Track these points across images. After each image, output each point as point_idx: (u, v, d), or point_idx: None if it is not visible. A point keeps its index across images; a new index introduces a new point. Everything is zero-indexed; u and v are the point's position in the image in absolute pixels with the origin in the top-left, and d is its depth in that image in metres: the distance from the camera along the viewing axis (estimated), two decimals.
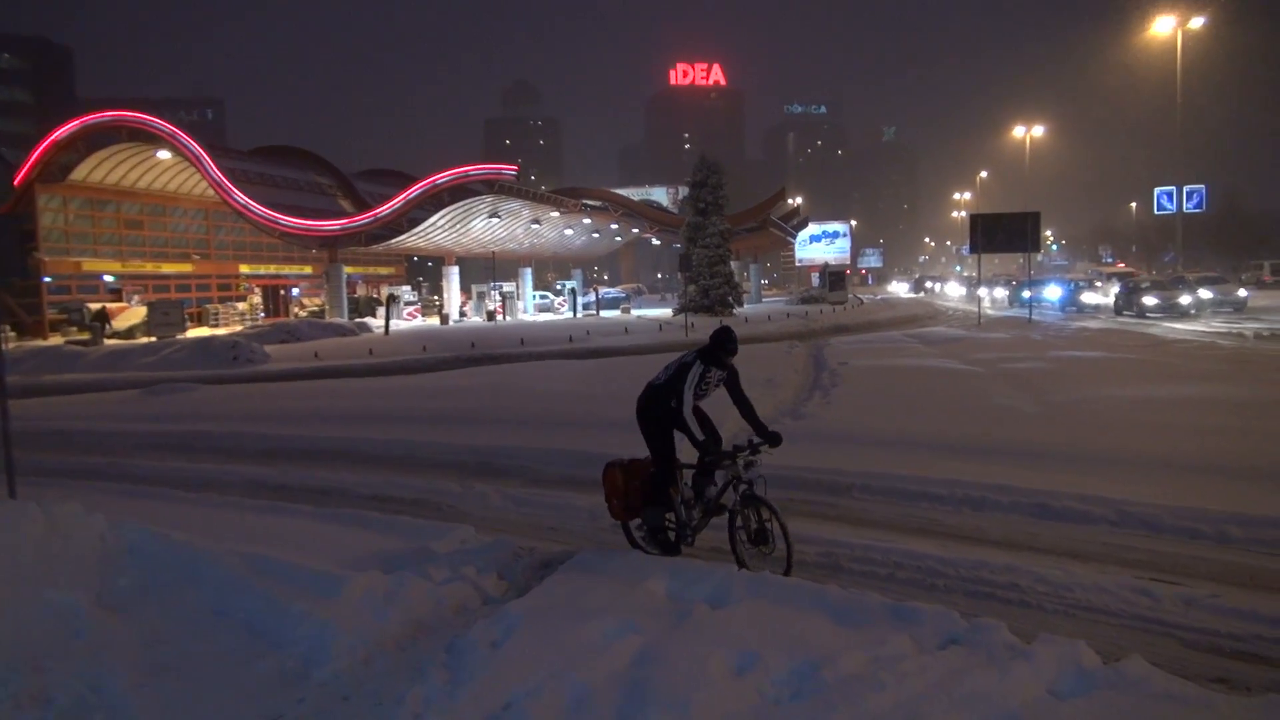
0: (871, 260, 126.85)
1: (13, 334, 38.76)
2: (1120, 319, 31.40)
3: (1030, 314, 33.11)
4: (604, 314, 51.61)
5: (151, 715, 4.20)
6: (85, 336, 37.51)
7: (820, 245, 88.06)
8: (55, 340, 38.53)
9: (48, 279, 45.77)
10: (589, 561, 5.91)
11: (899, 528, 7.03)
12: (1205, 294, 32.77)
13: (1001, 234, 30.41)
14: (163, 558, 5.86)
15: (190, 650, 4.89)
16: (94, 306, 42.95)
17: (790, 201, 78.82)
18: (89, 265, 49.26)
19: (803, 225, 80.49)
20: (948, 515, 7.29)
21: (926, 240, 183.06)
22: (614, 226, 63.30)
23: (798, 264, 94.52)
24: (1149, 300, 32.09)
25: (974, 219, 31.82)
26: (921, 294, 75.92)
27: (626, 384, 15.58)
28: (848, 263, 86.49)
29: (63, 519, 5.79)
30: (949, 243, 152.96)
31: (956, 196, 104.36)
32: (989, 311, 36.16)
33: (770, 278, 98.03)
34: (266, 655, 4.77)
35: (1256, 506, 6.69)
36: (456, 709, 3.99)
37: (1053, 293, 42.19)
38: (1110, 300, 36.26)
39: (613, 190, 77.71)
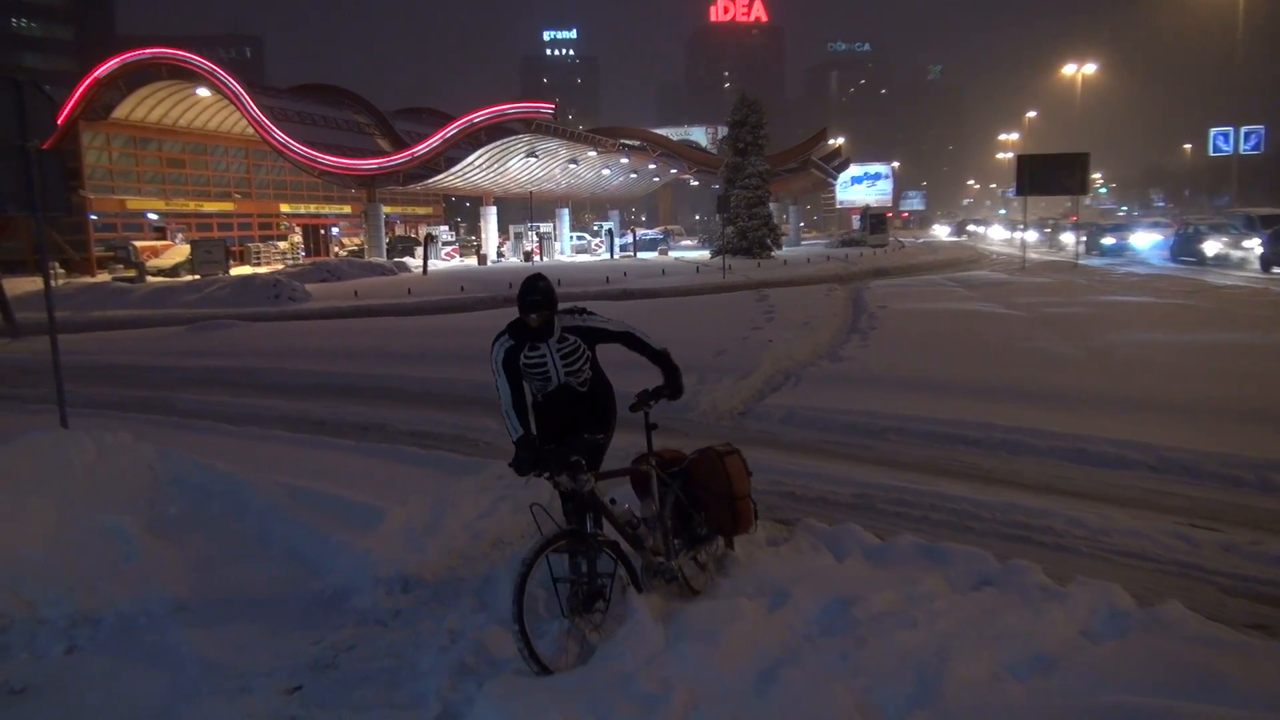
0: (914, 203, 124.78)
1: (61, 270, 39.49)
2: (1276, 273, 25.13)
3: (1097, 260, 30.89)
4: (641, 255, 51.39)
5: (199, 637, 4.35)
6: (131, 274, 38.14)
7: (861, 187, 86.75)
8: (103, 277, 39.22)
9: (94, 216, 46.45)
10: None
11: (933, 470, 7.00)
12: None
13: (1049, 176, 29.58)
14: (208, 487, 6.02)
15: (235, 576, 5.04)
16: (139, 244, 43.61)
17: (831, 142, 77.44)
18: (133, 203, 49.87)
19: (844, 167, 79.11)
20: (983, 458, 7.24)
21: (971, 183, 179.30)
22: (652, 167, 62.67)
23: (838, 206, 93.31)
24: None
25: (1021, 160, 31.03)
26: (964, 237, 74.56)
27: (663, 326, 15.61)
28: (889, 205, 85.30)
29: (113, 448, 5.95)
30: (994, 185, 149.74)
31: (1003, 137, 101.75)
32: (1033, 257, 35.42)
33: (810, 220, 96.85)
34: (308, 582, 4.90)
35: None
36: (488, 638, 4.08)
37: (1141, 240, 36.71)
38: (1253, 250, 27.29)
39: (651, 130, 76.76)
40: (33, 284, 27.43)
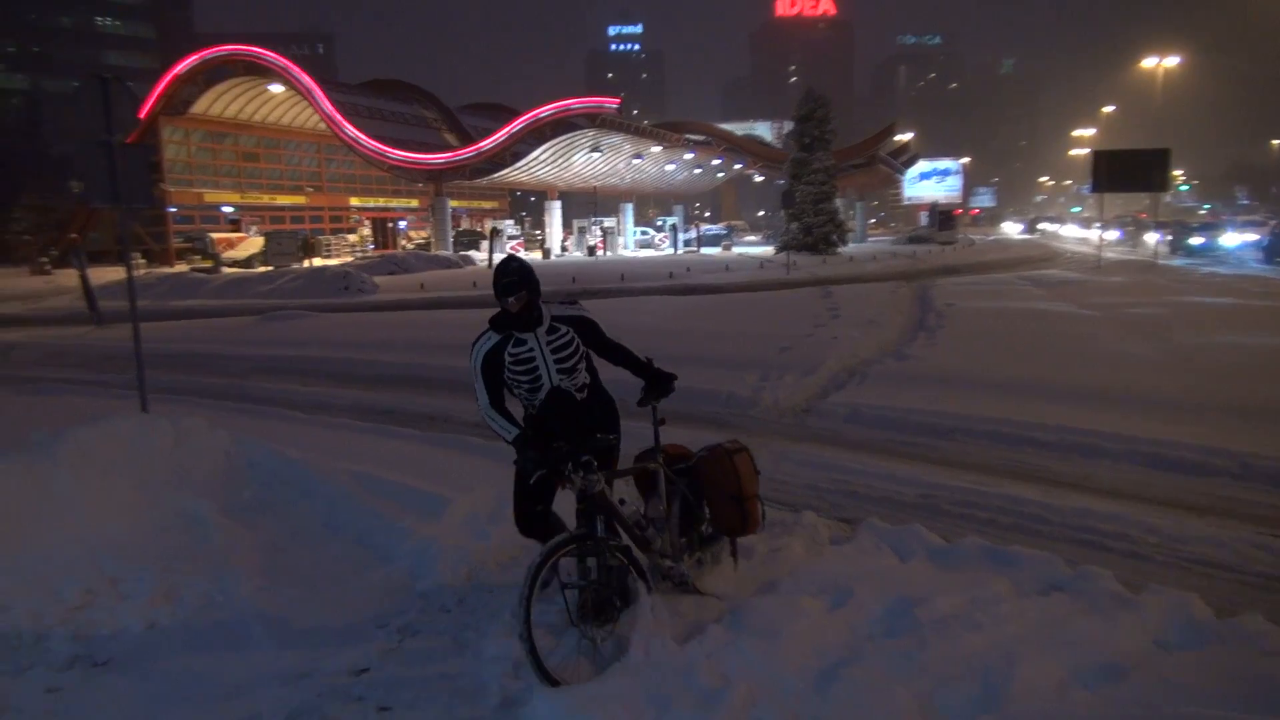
0: (984, 199, 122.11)
1: (143, 261, 40.91)
2: None
3: (1181, 260, 29.90)
4: (704, 251, 51.27)
5: (271, 618, 4.47)
6: (208, 264, 39.33)
7: (930, 183, 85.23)
8: (181, 268, 40.52)
9: (173, 209, 48.00)
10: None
11: (1001, 472, 6.86)
12: None
13: (1127, 173, 28.68)
14: (280, 473, 6.18)
15: (305, 560, 5.17)
16: (215, 236, 44.91)
17: (899, 137, 76.23)
18: (210, 196, 51.39)
19: (912, 162, 77.83)
20: (1054, 462, 7.07)
21: (1044, 179, 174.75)
22: (716, 162, 62.43)
23: (905, 202, 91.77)
24: None
25: (1097, 156, 30.13)
26: (1036, 235, 72.81)
27: (725, 322, 15.57)
28: (958, 201, 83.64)
29: (190, 433, 6.15)
30: (1069, 182, 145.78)
31: (1078, 133, 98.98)
32: (1110, 256, 34.37)
33: (877, 216, 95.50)
34: (374, 567, 5.01)
35: None
36: (551, 624, 4.12)
37: (1231, 239, 35.35)
38: None
39: (715, 125, 76.46)
40: (115, 274, 28.46)
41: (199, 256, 42.78)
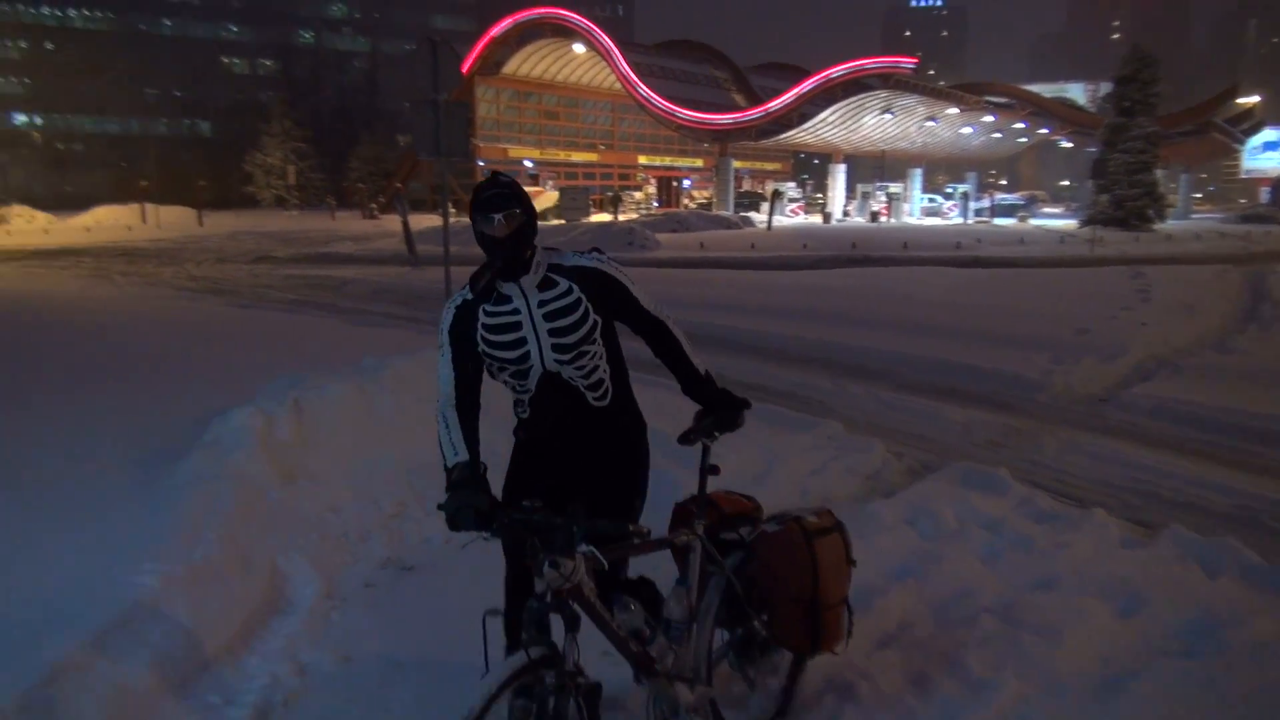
0: None
1: (454, 210, 44.86)
2: None
3: None
4: (997, 221, 48.19)
5: None
6: None
7: (1276, 154, 74.43)
8: None
9: (481, 163, 52.12)
10: (962, 474, 5.70)
11: None
12: None
13: None
14: None
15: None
16: None
17: (1242, 101, 66.98)
18: (514, 151, 55.27)
19: (1255, 130, 68.06)
20: None
21: None
22: (1018, 126, 58.16)
23: (1243, 175, 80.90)
24: None
25: None
26: None
27: (1016, 298, 14.60)
28: None
29: None
30: None
31: None
32: None
33: (1205, 191, 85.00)
34: (644, 514, 5.23)
35: None
36: None
37: None
38: None
39: (1020, 86, 71.07)
40: (431, 220, 31.40)
41: None
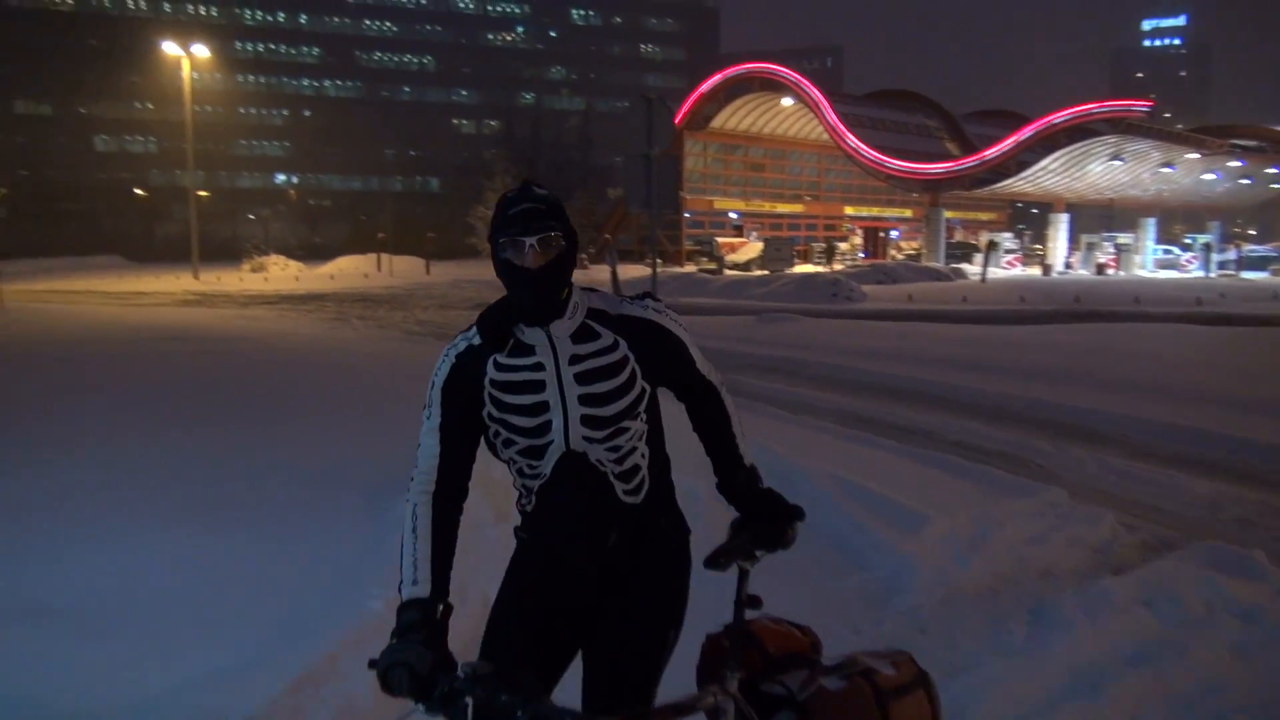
0: None
1: (659, 261, 46.06)
2: None
3: None
4: (1245, 275, 43.82)
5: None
6: (713, 266, 43.00)
7: None
8: (689, 268, 44.83)
9: (687, 214, 53.33)
10: (1209, 554, 5.13)
11: None
12: None
13: None
14: (767, 468, 6.53)
15: (781, 556, 5.40)
16: (720, 240, 48.94)
17: None
18: (719, 203, 56.15)
19: None
20: None
21: None
22: (1271, 171, 52.94)
23: None
24: None
25: None
26: None
27: (1264, 360, 13.16)
28: None
29: None
30: None
31: None
32: None
33: None
34: (851, 573, 5.07)
35: None
36: (1034, 670, 3.83)
37: None
38: None
39: (1274, 128, 64.78)
40: (637, 271, 32.34)
41: (705, 259, 46.92)
